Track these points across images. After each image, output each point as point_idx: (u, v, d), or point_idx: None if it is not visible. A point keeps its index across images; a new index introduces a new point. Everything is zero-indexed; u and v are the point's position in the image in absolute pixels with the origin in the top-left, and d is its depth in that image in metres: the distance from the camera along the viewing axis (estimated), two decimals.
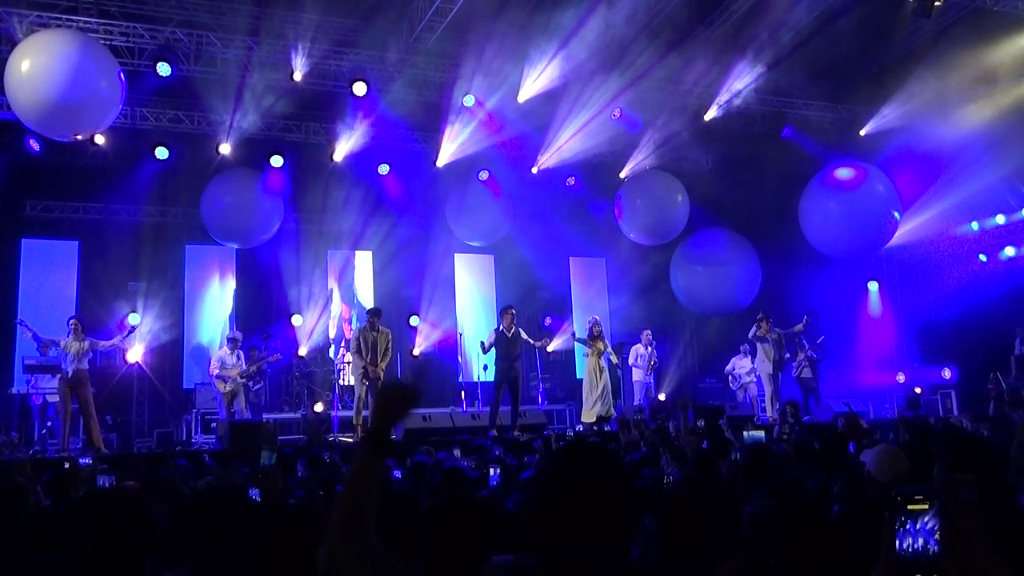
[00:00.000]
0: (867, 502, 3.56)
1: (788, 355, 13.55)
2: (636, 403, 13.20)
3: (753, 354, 13.60)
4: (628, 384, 14.25)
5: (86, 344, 10.38)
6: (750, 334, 13.20)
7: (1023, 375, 13.15)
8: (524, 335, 11.74)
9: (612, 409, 12.18)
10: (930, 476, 3.52)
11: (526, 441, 9.58)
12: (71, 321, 10.54)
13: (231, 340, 12.14)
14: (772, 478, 4.01)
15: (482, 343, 11.73)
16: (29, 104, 10.15)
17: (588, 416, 12.17)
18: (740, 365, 14.26)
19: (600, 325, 12.71)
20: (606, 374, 12.35)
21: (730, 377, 14.47)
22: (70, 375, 10.16)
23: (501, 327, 11.69)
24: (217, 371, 11.80)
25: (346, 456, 6.46)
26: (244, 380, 11.95)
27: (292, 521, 2.39)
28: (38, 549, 3.28)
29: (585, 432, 11.20)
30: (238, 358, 11.99)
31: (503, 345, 11.49)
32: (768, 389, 13.05)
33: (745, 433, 6.36)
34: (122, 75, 10.81)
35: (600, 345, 12.38)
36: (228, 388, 11.73)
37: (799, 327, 13.59)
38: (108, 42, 11.39)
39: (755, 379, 13.83)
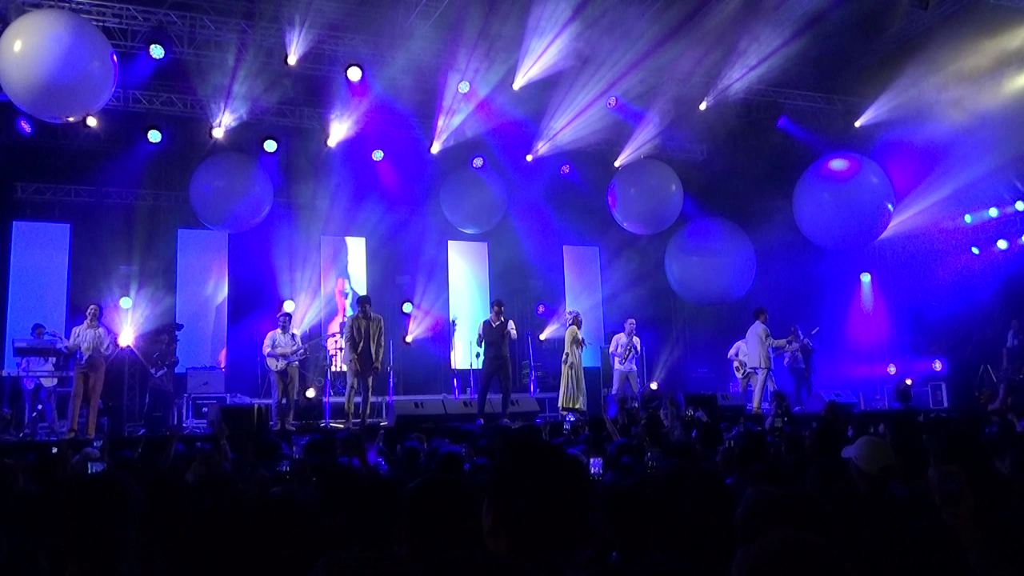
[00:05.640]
0: (854, 492, 3.58)
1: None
2: (614, 392, 13.14)
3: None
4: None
5: (101, 331, 10.52)
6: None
7: (1014, 367, 13.20)
8: (512, 328, 11.77)
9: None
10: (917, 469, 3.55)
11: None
12: (89, 308, 10.74)
13: (281, 318, 11.87)
14: (759, 469, 4.03)
15: (478, 338, 11.93)
16: (21, 85, 10.07)
17: (568, 403, 12.26)
18: (745, 352, 13.96)
19: (580, 318, 12.75)
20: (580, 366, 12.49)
21: (736, 363, 14.20)
22: (83, 361, 10.37)
23: (488, 319, 11.91)
24: (269, 350, 11.53)
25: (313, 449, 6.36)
26: (297, 360, 11.65)
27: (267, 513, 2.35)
28: (25, 532, 3.28)
29: (577, 422, 11.21)
30: (292, 337, 11.71)
31: (491, 336, 11.67)
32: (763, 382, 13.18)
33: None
34: (115, 56, 10.72)
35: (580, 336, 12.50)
36: (281, 367, 11.41)
37: (783, 342, 13.69)
38: (101, 23, 11.29)
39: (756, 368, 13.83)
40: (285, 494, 2.34)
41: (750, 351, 13.45)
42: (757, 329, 13.36)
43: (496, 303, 12.21)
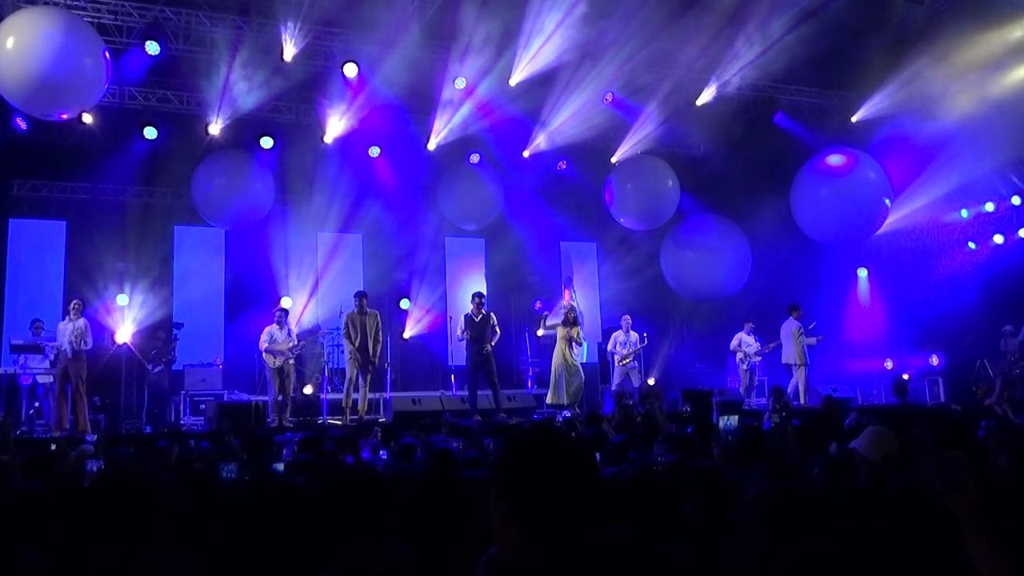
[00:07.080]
0: (855, 482, 3.59)
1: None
2: (614, 388, 13.12)
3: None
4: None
5: (81, 324, 10.51)
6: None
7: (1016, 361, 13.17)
8: (495, 321, 11.76)
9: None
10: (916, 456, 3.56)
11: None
12: (73, 302, 10.79)
13: (277, 314, 11.85)
14: (758, 463, 4.04)
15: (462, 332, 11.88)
16: (13, 82, 10.05)
17: (553, 399, 12.22)
18: (747, 342, 14.01)
19: (573, 316, 12.69)
20: (578, 362, 12.40)
21: (740, 354, 14.07)
22: (70, 355, 10.44)
23: (470, 312, 11.86)
24: (266, 345, 11.52)
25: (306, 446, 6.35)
26: (294, 355, 11.62)
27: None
28: (23, 528, 3.27)
29: (572, 418, 11.21)
30: (288, 333, 11.69)
31: (473, 330, 11.64)
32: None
33: (723, 419, 6.40)
34: (107, 53, 10.69)
35: (573, 332, 12.41)
36: (278, 363, 11.41)
37: (813, 340, 13.70)
38: (96, 20, 11.27)
39: (760, 360, 13.87)
40: (296, 487, 2.36)
41: (785, 347, 13.54)
42: (791, 326, 13.45)
43: (476, 295, 12.16)
